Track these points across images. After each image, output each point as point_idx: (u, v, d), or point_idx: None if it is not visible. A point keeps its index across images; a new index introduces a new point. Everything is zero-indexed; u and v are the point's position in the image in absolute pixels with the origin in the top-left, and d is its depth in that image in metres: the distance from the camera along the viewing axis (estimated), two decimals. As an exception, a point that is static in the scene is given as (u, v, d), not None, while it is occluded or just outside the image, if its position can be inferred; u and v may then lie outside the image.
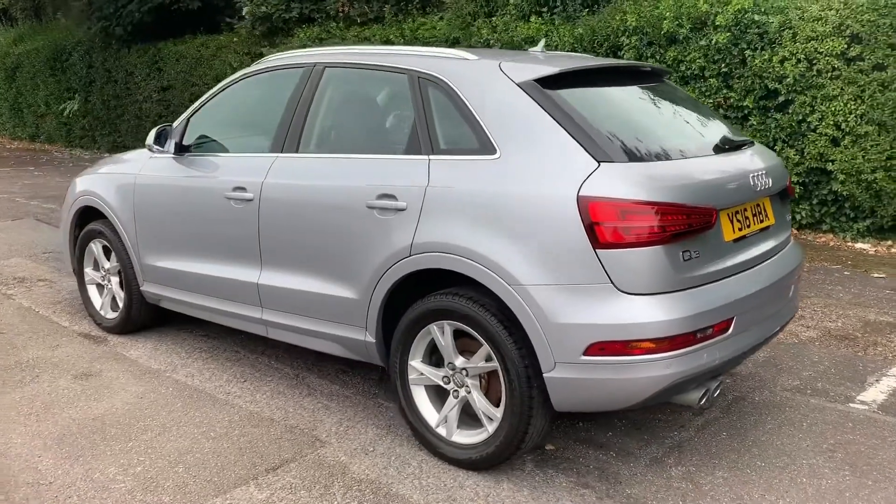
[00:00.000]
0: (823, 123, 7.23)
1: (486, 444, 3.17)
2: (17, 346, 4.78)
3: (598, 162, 2.90)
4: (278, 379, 4.23)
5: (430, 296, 3.25)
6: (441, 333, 3.24)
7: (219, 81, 13.42)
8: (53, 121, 17.66)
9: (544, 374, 2.93)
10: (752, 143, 3.62)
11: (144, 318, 4.87)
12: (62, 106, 16.87)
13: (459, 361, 3.23)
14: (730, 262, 3.11)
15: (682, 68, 8.06)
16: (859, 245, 7.19)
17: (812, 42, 7.23)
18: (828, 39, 7.13)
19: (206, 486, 3.15)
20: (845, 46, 7.05)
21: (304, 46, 12.04)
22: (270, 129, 3.99)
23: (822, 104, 7.24)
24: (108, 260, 4.94)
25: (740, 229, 3.19)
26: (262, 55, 13.05)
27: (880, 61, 6.92)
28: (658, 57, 8.19)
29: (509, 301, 2.95)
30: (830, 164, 7.22)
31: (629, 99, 3.46)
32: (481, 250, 3.01)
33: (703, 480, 3.18)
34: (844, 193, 7.23)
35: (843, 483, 3.13)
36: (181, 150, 4.34)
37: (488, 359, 3.12)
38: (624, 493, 3.10)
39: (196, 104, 4.42)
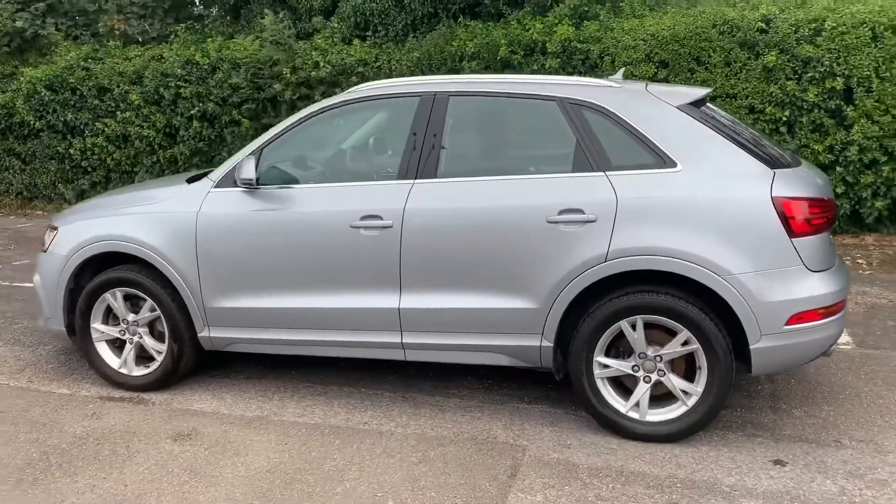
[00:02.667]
0: (643, 133, 8.66)
1: (686, 416, 3.70)
2: (45, 423, 4.14)
3: (772, 169, 3.61)
4: (391, 403, 4.28)
5: (622, 295, 3.69)
6: (632, 328, 3.70)
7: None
8: None
9: (751, 346, 3.57)
10: None
11: (190, 368, 4.51)
12: None
13: (651, 350, 3.71)
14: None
15: (521, 89, 9.01)
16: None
17: (628, 66, 8.64)
18: (641, 64, 8.59)
19: (482, 500, 3.27)
20: (655, 70, 8.55)
21: (73, 66, 11.03)
22: (390, 157, 4.06)
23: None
24: (134, 311, 4.46)
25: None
26: (13, 75, 11.63)
27: (682, 83, 8.53)
28: (497, 79, 9.05)
29: (720, 289, 3.54)
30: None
31: (727, 117, 4.20)
32: (690, 249, 3.55)
33: (821, 414, 4.05)
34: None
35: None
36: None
37: (684, 343, 3.65)
38: (784, 435, 3.84)
39: (268, 136, 4.25)
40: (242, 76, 10.15)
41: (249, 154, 4.19)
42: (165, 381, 4.48)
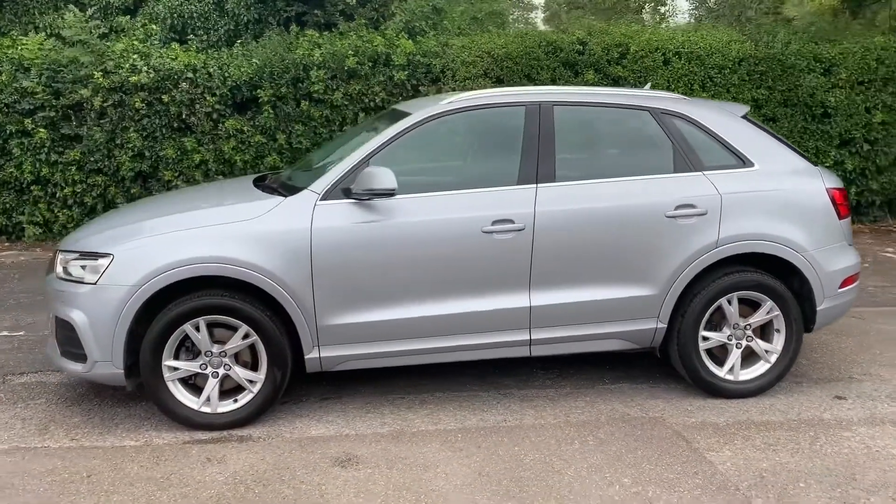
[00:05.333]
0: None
1: (768, 372, 4.49)
2: (164, 478, 3.61)
3: (815, 166, 4.57)
4: (501, 401, 4.45)
5: (723, 276, 4.36)
6: (729, 303, 4.41)
7: None
8: None
9: (818, 308, 4.47)
10: None
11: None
12: None
13: (742, 321, 4.46)
14: None
15: (366, 101, 9.27)
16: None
17: (467, 80, 9.39)
18: (479, 79, 9.40)
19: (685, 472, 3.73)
20: (493, 86, 9.40)
21: None
22: (503, 163, 4.28)
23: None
24: (218, 342, 4.07)
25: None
26: None
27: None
28: (342, 90, 9.20)
29: (800, 264, 4.38)
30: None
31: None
32: (780, 233, 4.34)
33: (821, 360, 5.11)
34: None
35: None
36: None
37: (767, 312, 4.45)
38: (816, 378, 4.82)
39: (370, 148, 4.14)
40: (34, 79, 8.92)
41: (361, 163, 4.09)
42: (260, 413, 4.13)
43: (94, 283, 3.93)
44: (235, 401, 4.10)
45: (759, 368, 4.50)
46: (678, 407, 4.37)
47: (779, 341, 4.48)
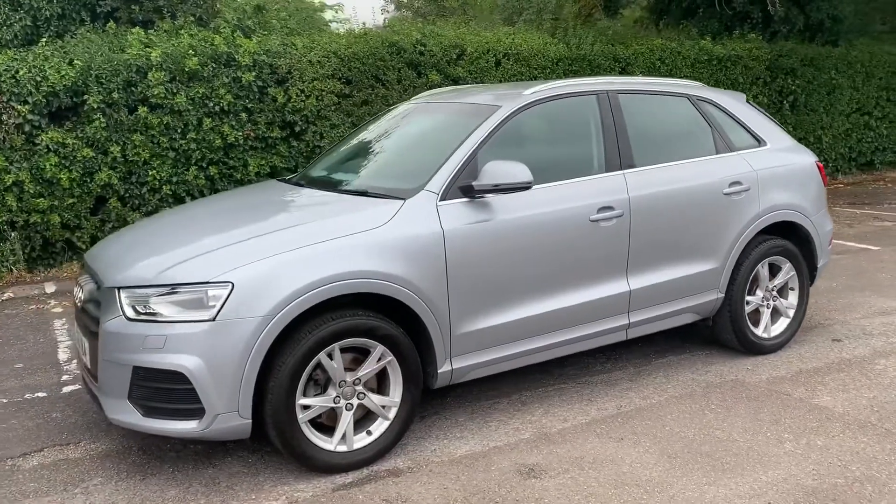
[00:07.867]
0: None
1: (789, 327, 5.04)
2: None
3: (797, 143, 5.25)
4: (592, 390, 4.43)
5: (762, 243, 4.81)
6: (762, 269, 4.91)
7: None
8: None
9: (818, 265, 5.14)
10: None
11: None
12: None
13: (770, 283, 4.98)
14: None
15: (211, 104, 8.55)
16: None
17: (315, 82, 9.09)
18: (328, 80, 9.14)
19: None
20: (342, 87, 9.21)
21: None
22: (587, 150, 4.32)
23: (330, 131, 9.22)
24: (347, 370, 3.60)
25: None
26: None
27: (365, 98, 9.38)
28: (184, 93, 8.39)
29: (809, 227, 4.98)
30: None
31: None
32: (796, 202, 4.90)
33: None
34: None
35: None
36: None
37: (787, 273, 5.02)
38: (810, 326, 5.55)
39: (473, 142, 3.90)
40: None
41: (470, 159, 3.87)
42: (396, 441, 3.70)
43: (212, 320, 3.23)
44: (369, 433, 3.63)
45: (782, 324, 5.02)
46: (739, 367, 4.72)
47: (794, 298, 5.04)
